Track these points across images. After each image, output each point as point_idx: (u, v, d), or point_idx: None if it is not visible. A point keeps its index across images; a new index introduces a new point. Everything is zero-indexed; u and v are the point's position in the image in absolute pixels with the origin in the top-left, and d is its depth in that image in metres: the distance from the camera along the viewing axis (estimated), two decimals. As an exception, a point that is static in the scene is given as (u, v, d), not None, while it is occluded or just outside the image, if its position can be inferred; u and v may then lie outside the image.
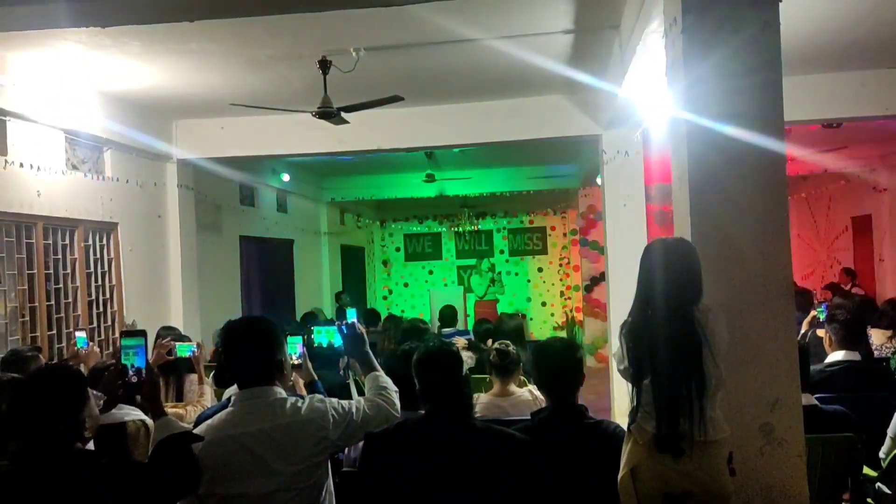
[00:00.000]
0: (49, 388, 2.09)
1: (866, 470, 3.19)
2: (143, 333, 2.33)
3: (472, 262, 14.99)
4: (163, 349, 4.19)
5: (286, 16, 4.17)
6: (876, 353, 4.66)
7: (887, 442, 3.21)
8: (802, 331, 4.97)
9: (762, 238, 2.78)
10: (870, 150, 9.85)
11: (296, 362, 3.04)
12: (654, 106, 5.38)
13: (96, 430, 2.22)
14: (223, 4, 3.48)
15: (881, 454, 3.22)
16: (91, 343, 4.12)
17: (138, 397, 2.54)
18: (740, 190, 2.79)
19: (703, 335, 2.32)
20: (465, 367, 2.54)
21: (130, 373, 2.24)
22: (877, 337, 4.81)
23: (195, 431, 2.35)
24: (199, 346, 4.32)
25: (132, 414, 3.20)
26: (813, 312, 5.12)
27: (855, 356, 3.85)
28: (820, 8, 4.59)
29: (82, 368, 4.10)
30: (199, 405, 3.91)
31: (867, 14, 4.75)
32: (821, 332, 4.56)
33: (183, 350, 4.14)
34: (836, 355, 3.88)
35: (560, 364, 2.76)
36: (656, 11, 3.50)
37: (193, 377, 4.17)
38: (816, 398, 3.20)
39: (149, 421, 3.14)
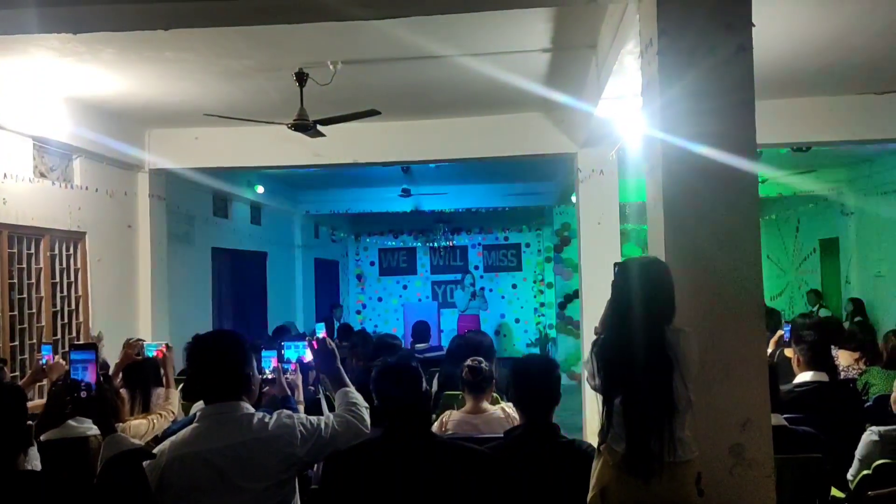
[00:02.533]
0: None
1: (834, 491, 3.22)
2: (93, 346, 2.26)
3: (447, 277, 14.98)
4: (131, 349, 4.09)
5: (263, 27, 4.14)
6: (843, 374, 4.72)
7: (855, 463, 3.23)
8: (769, 350, 5.02)
9: (735, 257, 2.80)
10: (837, 174, 10.07)
11: (269, 377, 3.00)
12: (629, 125, 5.44)
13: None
14: (199, 14, 3.44)
15: (849, 476, 3.25)
16: (56, 356, 4.00)
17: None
18: (714, 209, 2.82)
19: (673, 356, 2.32)
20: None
21: (81, 388, 2.17)
22: (844, 358, 4.87)
23: (159, 448, 2.29)
24: (167, 347, 4.22)
25: (94, 428, 3.12)
26: (780, 332, 5.17)
27: (823, 377, 3.90)
28: (792, 34, 4.68)
29: (45, 383, 4.00)
30: (165, 411, 3.81)
31: (837, 41, 4.85)
32: (788, 352, 4.62)
33: (150, 349, 4.06)
34: (805, 376, 3.93)
35: (539, 382, 2.75)
36: (632, 33, 3.54)
37: (161, 391, 4.08)
38: (785, 418, 3.22)
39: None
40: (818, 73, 5.58)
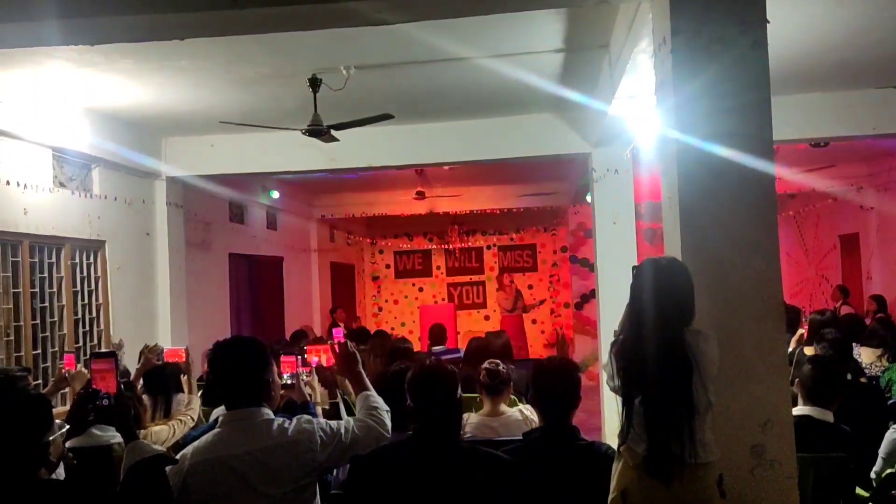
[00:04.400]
0: (10, 414, 2.03)
1: (858, 490, 3.18)
2: (113, 355, 2.28)
3: (463, 278, 14.99)
4: (151, 354, 4.12)
5: (276, 34, 4.16)
6: (865, 371, 4.66)
7: (879, 462, 3.20)
8: (791, 348, 4.97)
9: (752, 256, 2.78)
10: (857, 169, 9.95)
11: (288, 382, 3.01)
12: (643, 124, 5.41)
13: (60, 456, 2.17)
14: (213, 23, 3.47)
15: (872, 474, 3.21)
16: (78, 364, 4.05)
17: None
18: (730, 208, 2.80)
19: (692, 358, 2.30)
20: None
21: (102, 396, 2.19)
22: (866, 356, 4.82)
23: (181, 454, 2.31)
24: (186, 352, 4.25)
25: (117, 437, 3.14)
26: (800, 331, 5.13)
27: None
28: (807, 30, 4.64)
29: (68, 391, 4.05)
30: (186, 416, 3.84)
31: (853, 36, 4.80)
32: (809, 350, 4.58)
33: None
34: (827, 374, 3.88)
35: (558, 385, 2.75)
36: (645, 31, 3.52)
37: (182, 397, 4.12)
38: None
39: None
40: (835, 68, 5.53)
